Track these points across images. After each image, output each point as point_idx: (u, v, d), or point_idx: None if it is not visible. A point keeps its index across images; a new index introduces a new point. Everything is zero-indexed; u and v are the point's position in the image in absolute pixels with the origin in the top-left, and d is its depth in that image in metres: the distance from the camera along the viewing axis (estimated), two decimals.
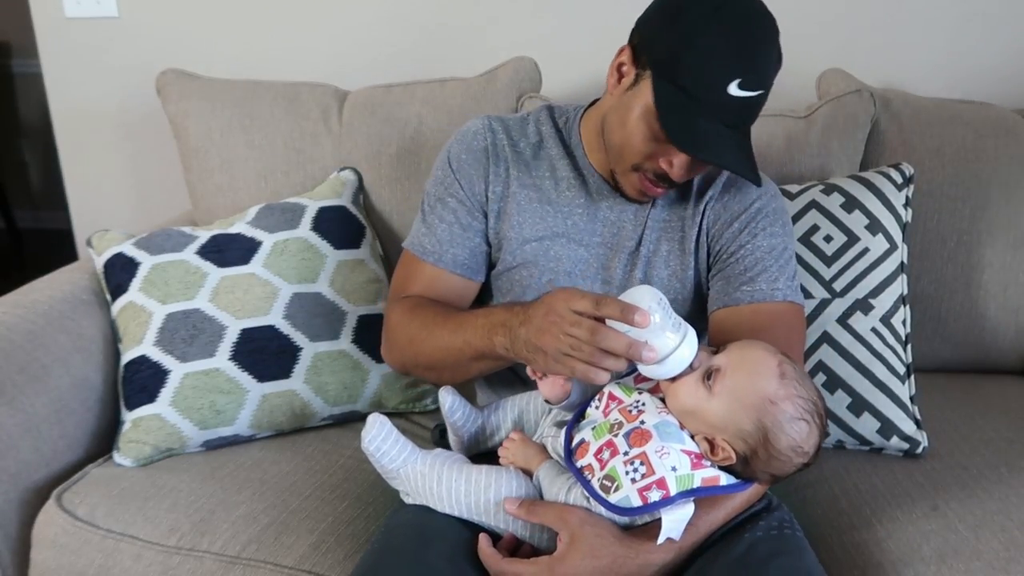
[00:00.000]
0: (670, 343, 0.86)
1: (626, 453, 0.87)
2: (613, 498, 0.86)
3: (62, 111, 2.06)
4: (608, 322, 0.85)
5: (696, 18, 0.96)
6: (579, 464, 0.90)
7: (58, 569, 1.16)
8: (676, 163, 1.01)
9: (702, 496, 0.88)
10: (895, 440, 1.26)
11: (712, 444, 0.89)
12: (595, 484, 0.88)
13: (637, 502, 0.85)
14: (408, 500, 1.02)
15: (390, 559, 0.94)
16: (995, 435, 1.30)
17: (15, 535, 1.21)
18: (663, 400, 0.92)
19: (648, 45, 1.01)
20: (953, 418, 1.36)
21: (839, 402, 1.27)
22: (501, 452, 1.01)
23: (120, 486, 1.23)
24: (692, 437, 0.89)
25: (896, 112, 1.52)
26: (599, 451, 0.89)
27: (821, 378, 1.28)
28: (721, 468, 0.89)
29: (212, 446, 1.32)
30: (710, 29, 0.96)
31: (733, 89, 0.95)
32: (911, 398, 1.29)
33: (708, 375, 0.89)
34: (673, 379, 0.89)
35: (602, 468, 0.88)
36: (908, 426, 1.26)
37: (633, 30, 1.04)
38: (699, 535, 0.94)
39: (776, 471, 0.90)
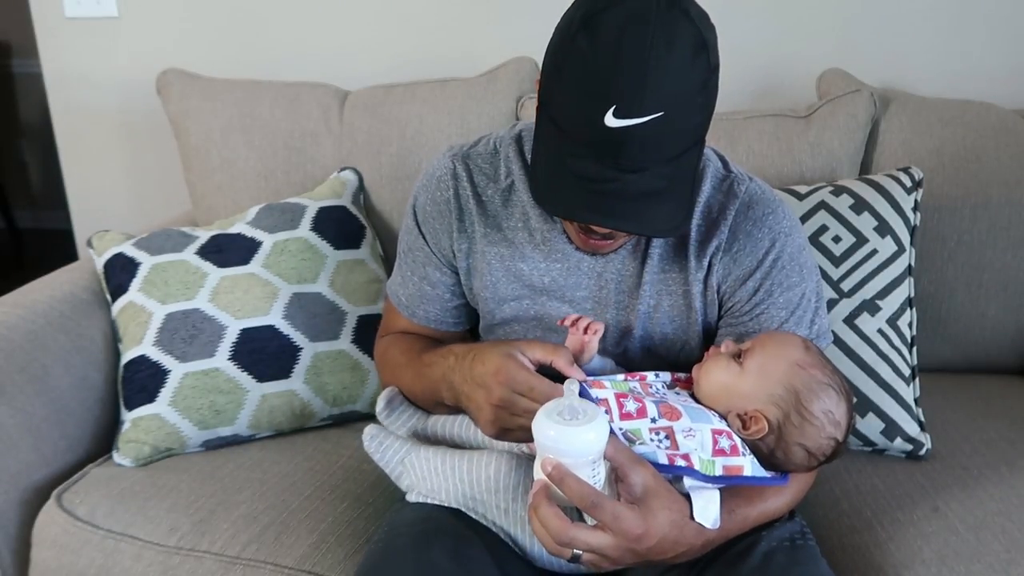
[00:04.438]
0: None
1: (654, 420, 0.87)
2: (637, 449, 0.85)
3: (62, 111, 2.06)
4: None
5: (566, 37, 0.81)
6: (596, 395, 0.87)
7: (58, 569, 1.16)
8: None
9: (726, 485, 0.88)
10: (899, 442, 1.26)
11: (744, 420, 0.90)
12: (616, 429, 0.86)
13: (663, 460, 0.85)
14: (412, 498, 1.02)
15: (393, 558, 0.94)
16: (996, 435, 1.30)
17: (15, 535, 1.21)
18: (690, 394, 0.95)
19: (540, 79, 0.88)
20: (954, 418, 1.36)
21: None
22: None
23: (120, 486, 1.23)
24: (724, 418, 0.91)
25: (896, 112, 1.52)
26: (621, 396, 0.88)
27: None
28: (755, 453, 0.90)
29: (212, 446, 1.32)
30: (577, 47, 0.80)
31: (610, 120, 0.78)
32: (915, 400, 1.29)
33: (738, 355, 0.92)
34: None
35: (623, 419, 0.86)
36: (912, 428, 1.26)
37: None
38: (728, 530, 0.92)
39: (811, 441, 0.90)
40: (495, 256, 1.05)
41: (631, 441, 0.86)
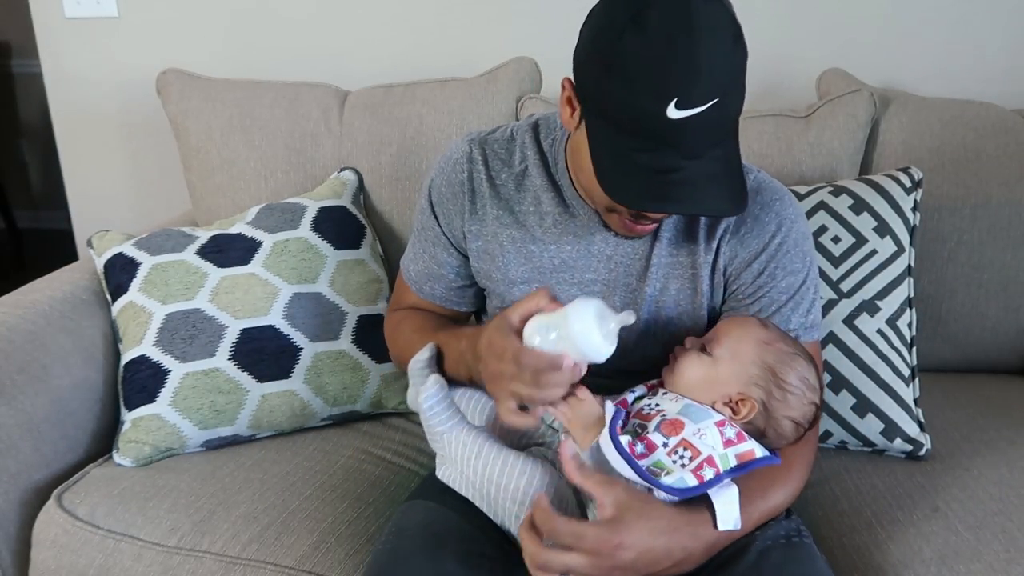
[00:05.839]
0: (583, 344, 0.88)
1: (665, 444, 0.88)
2: (666, 480, 0.86)
3: (62, 111, 2.06)
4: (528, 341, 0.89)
5: (612, 36, 0.83)
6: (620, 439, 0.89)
7: (58, 569, 1.16)
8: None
9: (743, 473, 0.89)
10: (898, 442, 1.26)
11: (733, 406, 0.92)
12: (643, 468, 0.87)
13: (693, 482, 0.86)
14: (440, 471, 1.01)
15: (403, 561, 0.94)
16: (996, 435, 1.30)
17: (15, 535, 1.21)
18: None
19: (580, 77, 0.89)
20: (954, 418, 1.36)
21: (843, 402, 1.27)
22: (559, 408, 0.92)
23: (120, 486, 1.23)
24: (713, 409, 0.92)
25: (896, 112, 1.52)
26: (631, 444, 0.89)
27: (826, 378, 1.28)
28: (750, 435, 0.91)
29: (212, 446, 1.32)
30: (627, 46, 0.81)
31: (672, 112, 0.81)
32: (915, 400, 1.29)
33: (703, 348, 0.95)
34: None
35: (639, 459, 0.87)
36: (912, 428, 1.26)
37: (573, 58, 0.91)
38: (745, 527, 0.92)
39: (796, 411, 0.93)
40: (507, 238, 1.08)
41: (657, 474, 0.86)
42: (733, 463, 0.88)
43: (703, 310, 1.05)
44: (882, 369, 1.27)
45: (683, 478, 0.86)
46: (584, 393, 0.92)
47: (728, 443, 0.89)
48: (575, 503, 0.94)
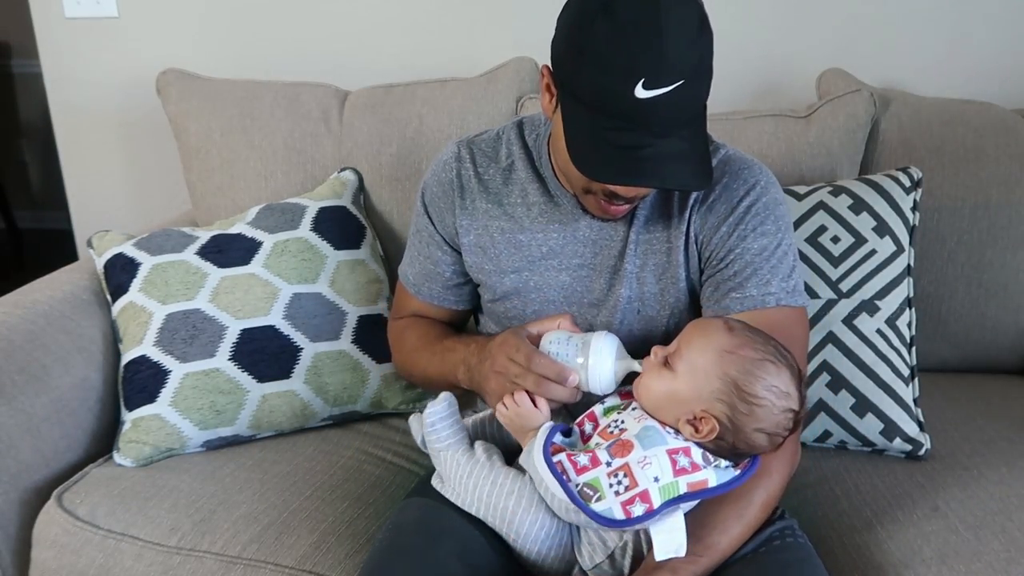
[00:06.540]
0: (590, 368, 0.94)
1: (608, 464, 0.86)
2: (596, 507, 0.84)
3: (62, 111, 2.06)
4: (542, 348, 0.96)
5: (584, 23, 0.88)
6: (555, 458, 0.88)
7: (59, 569, 1.17)
8: (620, 186, 0.94)
9: (693, 500, 0.86)
10: (898, 442, 1.26)
11: (694, 425, 0.88)
12: (573, 488, 0.86)
13: (620, 515, 0.84)
14: (434, 480, 1.02)
15: (399, 557, 0.94)
16: (996, 435, 1.30)
17: (15, 535, 1.21)
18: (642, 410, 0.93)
19: (556, 63, 0.94)
20: (954, 418, 1.36)
21: (843, 402, 1.27)
22: (499, 408, 0.96)
23: (120, 486, 1.23)
24: (676, 432, 0.89)
25: (896, 112, 1.52)
26: (571, 455, 0.88)
27: (825, 378, 1.28)
28: (713, 452, 0.88)
29: (212, 446, 1.32)
30: (598, 31, 0.86)
31: (640, 92, 0.86)
32: (915, 400, 1.29)
33: (665, 361, 0.91)
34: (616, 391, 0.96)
35: (579, 473, 0.86)
36: (911, 428, 1.26)
37: (551, 47, 0.96)
38: (722, 553, 0.91)
39: (766, 422, 0.87)
40: (497, 230, 1.12)
41: (588, 497, 0.85)
42: (683, 491, 0.85)
43: (682, 282, 1.06)
44: (882, 369, 1.28)
45: (611, 509, 0.84)
46: (527, 399, 0.93)
47: (681, 472, 0.85)
48: (563, 528, 0.94)
